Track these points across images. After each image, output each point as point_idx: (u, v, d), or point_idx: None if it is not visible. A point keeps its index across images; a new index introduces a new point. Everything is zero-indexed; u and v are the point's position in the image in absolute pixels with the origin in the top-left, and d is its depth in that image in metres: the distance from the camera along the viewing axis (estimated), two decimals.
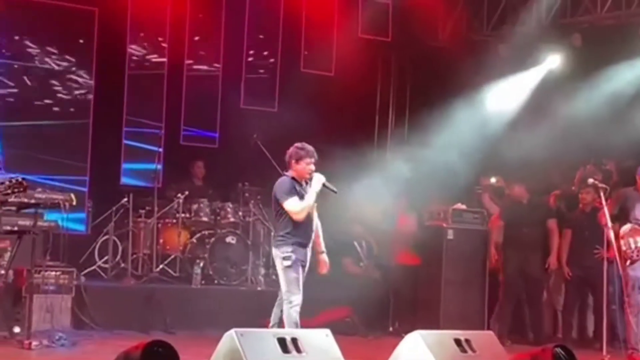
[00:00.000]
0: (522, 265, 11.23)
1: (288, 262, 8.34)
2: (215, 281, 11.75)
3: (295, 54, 14.59)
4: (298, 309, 8.32)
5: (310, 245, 8.56)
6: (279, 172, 12.31)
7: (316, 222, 8.67)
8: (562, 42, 13.37)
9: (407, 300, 11.64)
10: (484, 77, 13.46)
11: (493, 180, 12.14)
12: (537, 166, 12.04)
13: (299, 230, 8.41)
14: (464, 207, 11.80)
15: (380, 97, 15.30)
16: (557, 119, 12.73)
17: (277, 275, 12.18)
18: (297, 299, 8.32)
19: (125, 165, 13.41)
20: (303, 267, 8.44)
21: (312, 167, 8.51)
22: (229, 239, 11.97)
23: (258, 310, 10.98)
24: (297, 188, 8.46)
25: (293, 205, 8.36)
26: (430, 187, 12.09)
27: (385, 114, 15.34)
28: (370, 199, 12.04)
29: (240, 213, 12.42)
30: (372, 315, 11.54)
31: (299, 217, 8.35)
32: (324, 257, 8.74)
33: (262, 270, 11.95)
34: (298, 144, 8.67)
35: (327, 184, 8.53)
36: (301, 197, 8.40)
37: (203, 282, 11.62)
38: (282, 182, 8.56)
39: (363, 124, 14.75)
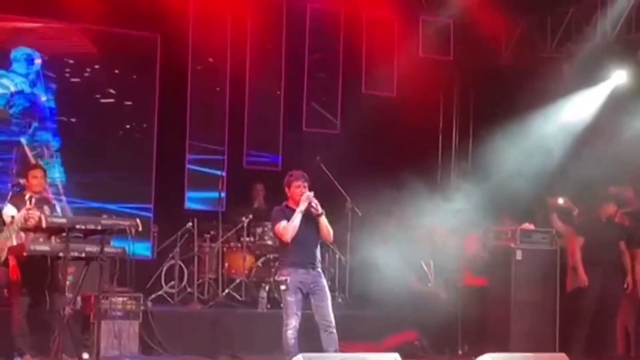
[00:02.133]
0: (604, 284, 10.99)
1: (283, 287, 8.49)
2: (282, 305, 11.64)
3: (357, 75, 14.54)
4: (293, 332, 8.43)
5: (314, 265, 8.56)
6: (343, 194, 12.42)
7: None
8: (628, 58, 13.13)
9: (476, 322, 11.43)
10: (549, 96, 13.26)
11: (561, 201, 11.91)
12: (602, 185, 11.81)
13: (294, 252, 8.51)
14: (532, 226, 11.60)
15: (443, 117, 15.19)
16: (623, 136, 12.50)
17: (343, 298, 12.31)
18: (292, 322, 8.43)
19: (189, 191, 13.45)
20: (303, 289, 8.46)
21: (303, 189, 8.57)
22: None
23: None
24: (287, 213, 8.54)
25: (278, 227, 8.55)
26: (496, 207, 11.95)
27: (448, 134, 15.22)
28: (436, 220, 11.91)
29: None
30: (440, 338, 11.37)
31: (285, 237, 8.50)
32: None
33: (329, 294, 11.81)
34: (290, 172, 8.84)
35: (313, 204, 8.45)
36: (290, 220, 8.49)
37: (269, 306, 11.55)
38: (274, 211, 8.77)
39: (426, 144, 14.62)
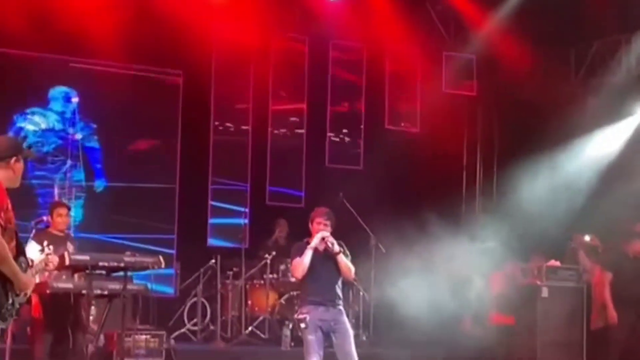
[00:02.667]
0: (633, 322, 10.81)
1: (303, 325, 8.36)
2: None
3: (380, 111, 14.52)
4: None
5: (335, 303, 8.40)
6: (366, 230, 12.35)
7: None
8: None
9: None
10: (574, 130, 13.17)
11: (587, 238, 11.77)
12: (629, 221, 11.66)
13: (312, 289, 8.40)
14: (557, 263, 11.47)
15: (467, 152, 15.14)
16: None
17: (367, 335, 12.19)
18: None
19: (212, 226, 13.43)
20: (324, 328, 8.33)
21: (323, 227, 8.46)
22: None
23: None
24: (304, 250, 8.41)
25: (293, 264, 8.56)
26: (521, 244, 11.84)
27: (472, 169, 15.15)
28: (460, 257, 11.82)
29: None
30: None
31: (295, 274, 8.59)
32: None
33: (352, 331, 11.70)
34: (315, 208, 8.75)
35: (328, 243, 8.35)
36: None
37: (292, 344, 11.44)
38: (293, 247, 8.70)
39: (450, 180, 14.54)
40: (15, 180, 5.90)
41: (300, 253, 8.42)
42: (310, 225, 8.62)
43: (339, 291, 8.53)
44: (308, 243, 8.54)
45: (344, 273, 8.53)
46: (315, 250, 8.37)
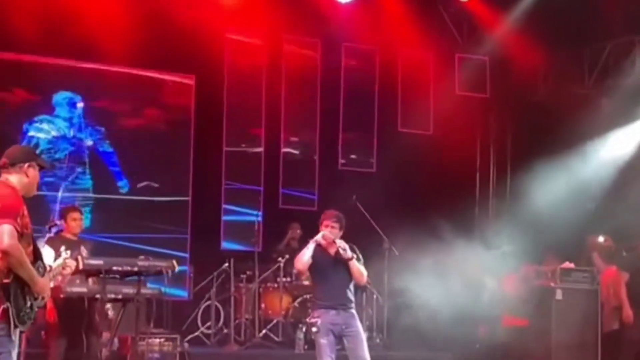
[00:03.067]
0: None
1: (314, 329, 8.37)
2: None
3: (393, 114, 14.51)
4: None
5: (346, 307, 8.41)
6: (380, 233, 12.33)
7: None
8: None
9: None
10: (588, 132, 13.12)
11: (601, 239, 11.73)
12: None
13: (323, 293, 8.44)
14: (572, 265, 11.43)
15: (480, 155, 15.09)
16: None
17: (381, 338, 12.18)
18: None
19: (225, 229, 13.45)
20: (335, 332, 8.33)
21: (329, 229, 8.46)
22: None
23: None
24: (315, 251, 8.41)
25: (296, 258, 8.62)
26: (534, 247, 11.82)
27: (485, 171, 15.10)
28: (473, 260, 11.81)
29: None
30: None
31: (295, 265, 8.70)
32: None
33: (366, 334, 11.70)
34: (325, 210, 8.78)
35: (340, 249, 8.32)
36: (318, 260, 8.37)
37: (306, 347, 11.43)
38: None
39: (463, 182, 14.49)
40: (30, 187, 6.00)
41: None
42: (320, 227, 8.62)
43: (350, 295, 8.51)
44: (319, 244, 8.54)
45: (356, 278, 8.51)
46: (327, 254, 8.37)
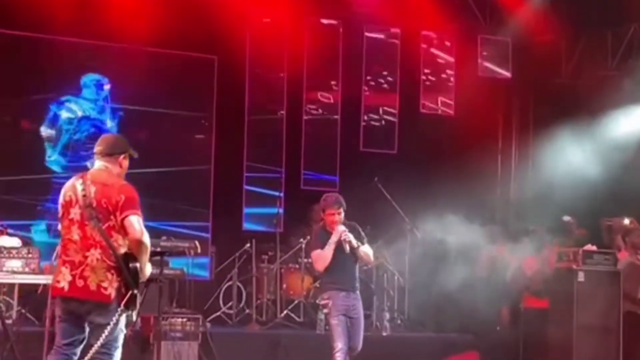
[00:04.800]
0: None
1: (326, 310, 8.51)
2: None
3: (415, 95, 14.48)
4: (342, 354, 8.35)
5: (354, 288, 8.53)
6: (402, 215, 12.34)
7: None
8: None
9: (538, 345, 11.24)
10: (610, 113, 13.06)
11: (626, 221, 11.67)
12: None
13: (334, 276, 8.48)
14: (594, 248, 11.37)
15: (502, 136, 15.05)
16: None
17: (402, 319, 12.21)
18: (340, 344, 8.34)
19: (247, 211, 13.48)
20: (345, 313, 8.42)
21: (337, 216, 8.52)
22: None
23: (384, 355, 10.86)
24: (325, 239, 8.48)
25: (313, 256, 8.60)
26: (556, 227, 11.79)
27: (508, 153, 15.07)
28: (496, 242, 11.80)
29: None
30: None
31: (317, 267, 8.59)
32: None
33: (387, 315, 11.75)
34: (325, 195, 8.83)
35: (348, 239, 8.38)
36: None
37: (327, 327, 11.43)
38: (313, 232, 8.87)
39: (485, 163, 14.42)
40: (122, 177, 6.28)
41: (321, 243, 8.50)
42: (322, 213, 8.67)
43: (357, 277, 8.62)
44: (324, 229, 8.59)
45: (364, 261, 8.72)
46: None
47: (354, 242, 8.43)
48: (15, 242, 9.54)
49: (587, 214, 11.92)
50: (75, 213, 6.09)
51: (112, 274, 5.99)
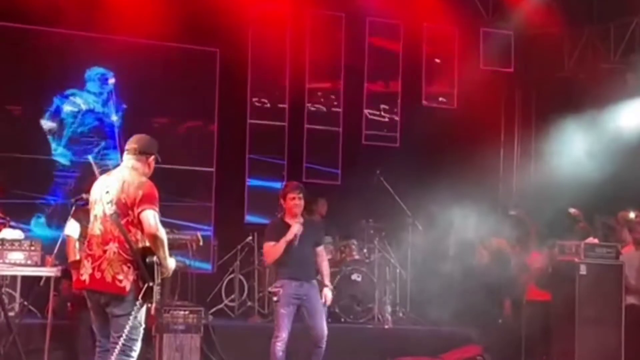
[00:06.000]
0: None
1: (275, 298, 8.57)
2: (342, 319, 11.59)
3: (417, 88, 14.47)
4: (282, 344, 8.49)
5: (309, 278, 8.61)
6: (404, 208, 12.34)
7: (322, 258, 8.81)
8: None
9: (540, 337, 11.25)
10: (613, 107, 13.05)
11: (632, 215, 11.67)
12: None
13: (289, 265, 8.53)
14: (596, 241, 11.38)
15: (504, 130, 15.04)
16: None
17: (404, 312, 12.22)
18: (282, 334, 8.47)
19: (249, 202, 13.48)
20: (295, 302, 8.49)
21: (297, 201, 8.58)
22: (354, 277, 11.81)
23: (386, 348, 10.87)
24: (281, 229, 8.54)
25: (265, 248, 8.68)
26: (559, 221, 11.79)
27: (510, 146, 15.05)
28: (498, 236, 11.80)
29: (364, 250, 12.26)
30: (503, 354, 11.22)
31: (268, 260, 8.74)
32: (326, 291, 8.77)
33: (389, 308, 11.75)
34: (286, 182, 8.99)
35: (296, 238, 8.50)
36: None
37: (329, 320, 11.44)
38: (269, 224, 8.92)
39: (487, 157, 14.41)
40: (146, 177, 6.46)
41: (276, 235, 8.55)
42: (282, 200, 8.71)
43: (313, 267, 8.68)
44: (282, 220, 8.67)
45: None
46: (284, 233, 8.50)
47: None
48: (17, 234, 9.55)
49: (590, 207, 11.91)
50: (98, 209, 6.34)
51: (129, 267, 6.18)
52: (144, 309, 6.29)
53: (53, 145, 12.48)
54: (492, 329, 11.29)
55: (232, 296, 11.99)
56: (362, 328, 11.59)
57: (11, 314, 9.56)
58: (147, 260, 6.15)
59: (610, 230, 11.78)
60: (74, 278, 9.05)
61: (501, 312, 11.52)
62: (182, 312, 10.11)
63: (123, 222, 6.19)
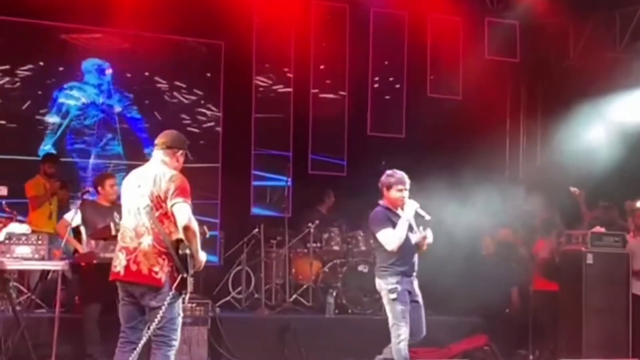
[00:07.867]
0: None
1: (394, 295, 8.25)
2: (349, 310, 11.59)
3: (422, 79, 14.45)
4: (407, 342, 8.19)
5: (415, 274, 8.45)
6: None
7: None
8: None
9: (547, 327, 11.26)
10: (618, 96, 13.02)
11: (639, 204, 11.65)
12: None
13: (402, 260, 8.35)
14: (602, 230, 11.36)
15: (510, 120, 15.02)
16: None
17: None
18: (405, 332, 8.19)
19: (255, 195, 13.49)
20: (410, 298, 8.31)
21: (404, 193, 8.41)
22: (361, 268, 11.80)
23: None
24: (391, 217, 8.36)
25: (386, 236, 8.32)
26: (565, 210, 11.78)
27: (515, 136, 15.03)
28: (504, 225, 11.79)
29: (371, 241, 12.22)
30: (510, 344, 11.23)
31: (392, 247, 8.28)
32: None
33: None
34: (389, 171, 8.63)
35: (420, 211, 8.37)
36: (395, 226, 8.30)
37: (337, 311, 11.51)
38: (376, 213, 8.52)
39: (493, 147, 14.40)
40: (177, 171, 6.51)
41: (387, 222, 8.34)
42: (385, 190, 8.49)
43: (417, 262, 8.49)
44: (387, 209, 8.47)
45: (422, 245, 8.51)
46: (394, 222, 8.31)
47: (427, 216, 8.37)
48: (24, 228, 9.57)
49: (596, 195, 11.89)
50: (131, 203, 6.44)
51: (164, 259, 6.29)
52: (179, 300, 6.40)
53: (45, 140, 12.47)
54: (499, 318, 11.29)
55: (239, 288, 12.00)
56: (370, 319, 11.58)
57: (19, 307, 9.59)
58: (180, 252, 6.25)
59: (609, 213, 11.70)
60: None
61: (508, 301, 11.52)
62: (189, 305, 10.09)
63: (156, 215, 6.30)
